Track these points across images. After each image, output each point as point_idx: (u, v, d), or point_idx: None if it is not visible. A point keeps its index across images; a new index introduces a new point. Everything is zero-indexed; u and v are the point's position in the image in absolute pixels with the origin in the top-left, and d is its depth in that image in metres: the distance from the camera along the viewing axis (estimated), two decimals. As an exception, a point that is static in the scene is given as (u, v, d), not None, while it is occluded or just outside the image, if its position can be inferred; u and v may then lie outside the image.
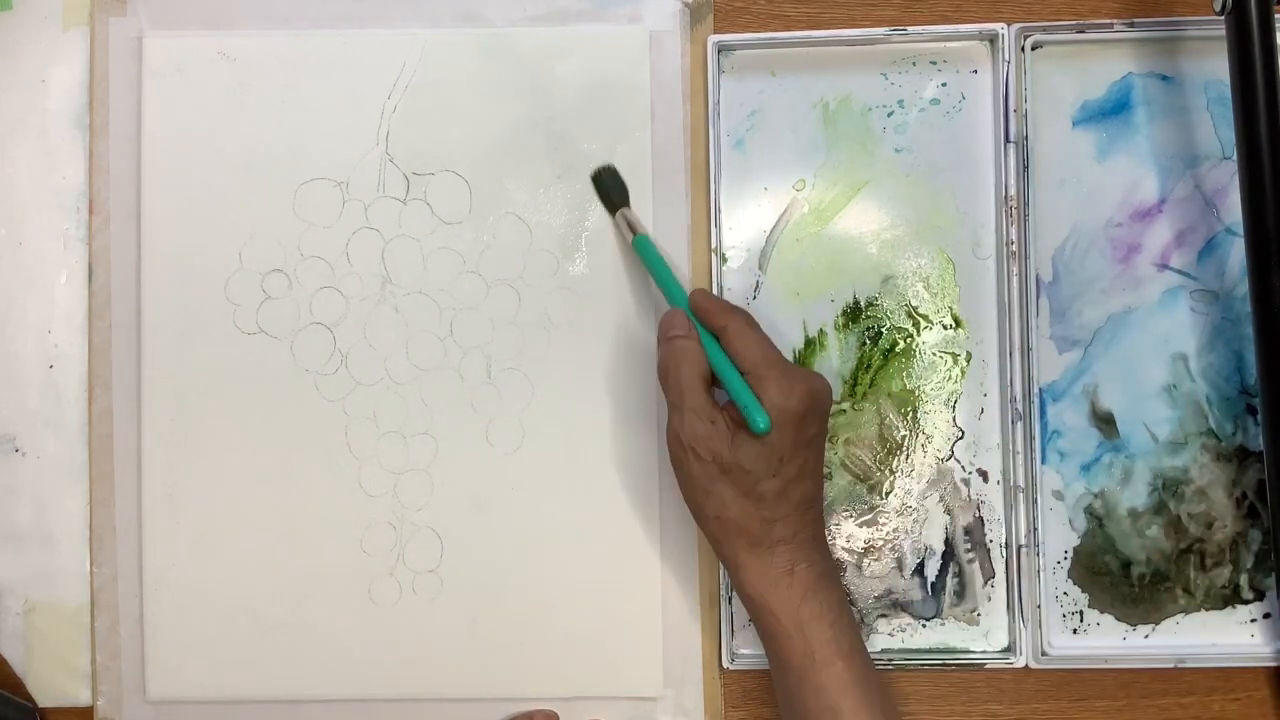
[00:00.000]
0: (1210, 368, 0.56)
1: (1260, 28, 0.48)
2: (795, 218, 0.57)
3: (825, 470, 0.56)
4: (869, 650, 0.56)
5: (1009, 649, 0.56)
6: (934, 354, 0.57)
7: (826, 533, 0.56)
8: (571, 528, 0.56)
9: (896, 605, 0.56)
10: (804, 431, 0.48)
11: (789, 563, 0.49)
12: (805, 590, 0.48)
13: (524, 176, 0.57)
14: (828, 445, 0.56)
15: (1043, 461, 0.56)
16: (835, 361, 0.57)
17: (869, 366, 0.57)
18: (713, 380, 0.50)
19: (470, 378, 0.57)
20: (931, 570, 0.56)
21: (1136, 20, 0.56)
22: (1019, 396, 0.55)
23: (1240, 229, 0.52)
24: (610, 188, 0.56)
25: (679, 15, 0.57)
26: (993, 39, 0.56)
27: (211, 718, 0.57)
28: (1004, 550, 0.56)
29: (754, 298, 0.57)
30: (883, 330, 0.57)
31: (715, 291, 0.56)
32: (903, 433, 0.57)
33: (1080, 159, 0.57)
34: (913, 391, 0.57)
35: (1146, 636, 0.56)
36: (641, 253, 0.54)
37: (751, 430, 0.47)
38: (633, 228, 0.55)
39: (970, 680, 0.56)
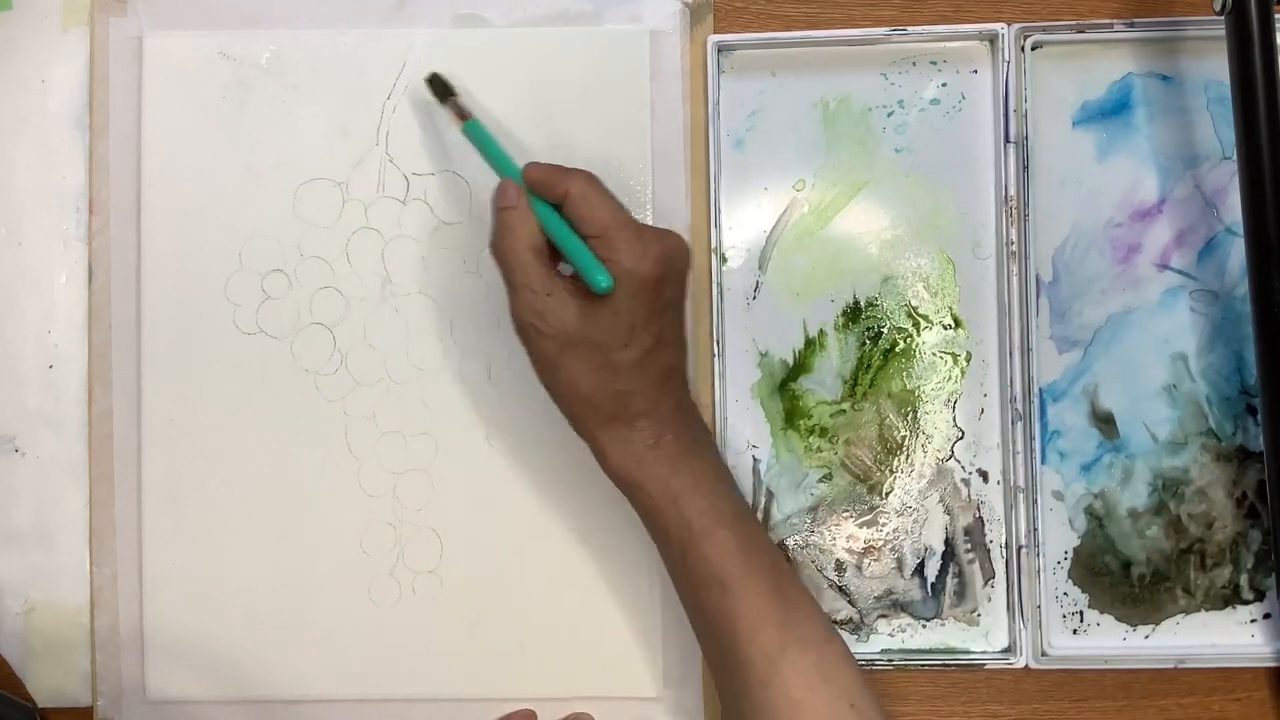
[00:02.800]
0: (1210, 368, 0.56)
1: (1260, 28, 0.48)
2: (795, 218, 0.57)
3: (826, 469, 0.56)
4: (869, 650, 0.56)
5: (1009, 649, 0.56)
6: (934, 354, 0.57)
7: (828, 532, 0.56)
8: (571, 527, 0.56)
9: (896, 605, 0.56)
10: (659, 296, 0.45)
11: (653, 436, 0.46)
12: (674, 462, 0.46)
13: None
14: (829, 445, 0.56)
15: (1043, 461, 0.56)
16: (835, 361, 0.57)
17: (869, 366, 0.57)
18: (551, 252, 0.47)
19: (470, 378, 0.57)
20: (931, 570, 0.56)
21: (1136, 20, 0.56)
22: (1019, 396, 0.55)
23: (1240, 229, 0.52)
24: (441, 86, 0.54)
25: (679, 15, 0.57)
26: (993, 39, 0.56)
27: (211, 718, 0.57)
28: (1004, 550, 0.56)
29: (754, 298, 0.57)
30: (883, 330, 0.57)
31: (714, 292, 0.56)
32: (903, 433, 0.57)
33: (1080, 159, 0.57)
34: (913, 391, 0.57)
35: (1146, 637, 0.56)
36: (473, 137, 0.51)
37: (594, 291, 0.44)
38: (463, 114, 0.52)
39: (970, 680, 0.56)
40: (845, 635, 0.56)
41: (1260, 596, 0.56)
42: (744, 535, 0.46)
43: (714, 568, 0.46)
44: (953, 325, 0.57)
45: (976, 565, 0.56)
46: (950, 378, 0.57)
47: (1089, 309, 0.56)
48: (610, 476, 0.48)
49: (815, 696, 0.45)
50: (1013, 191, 0.55)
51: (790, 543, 0.57)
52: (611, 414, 0.46)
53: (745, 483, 0.57)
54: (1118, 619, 0.56)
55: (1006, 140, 0.56)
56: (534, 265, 0.46)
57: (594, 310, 0.45)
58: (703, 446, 0.48)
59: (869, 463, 0.57)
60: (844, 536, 0.57)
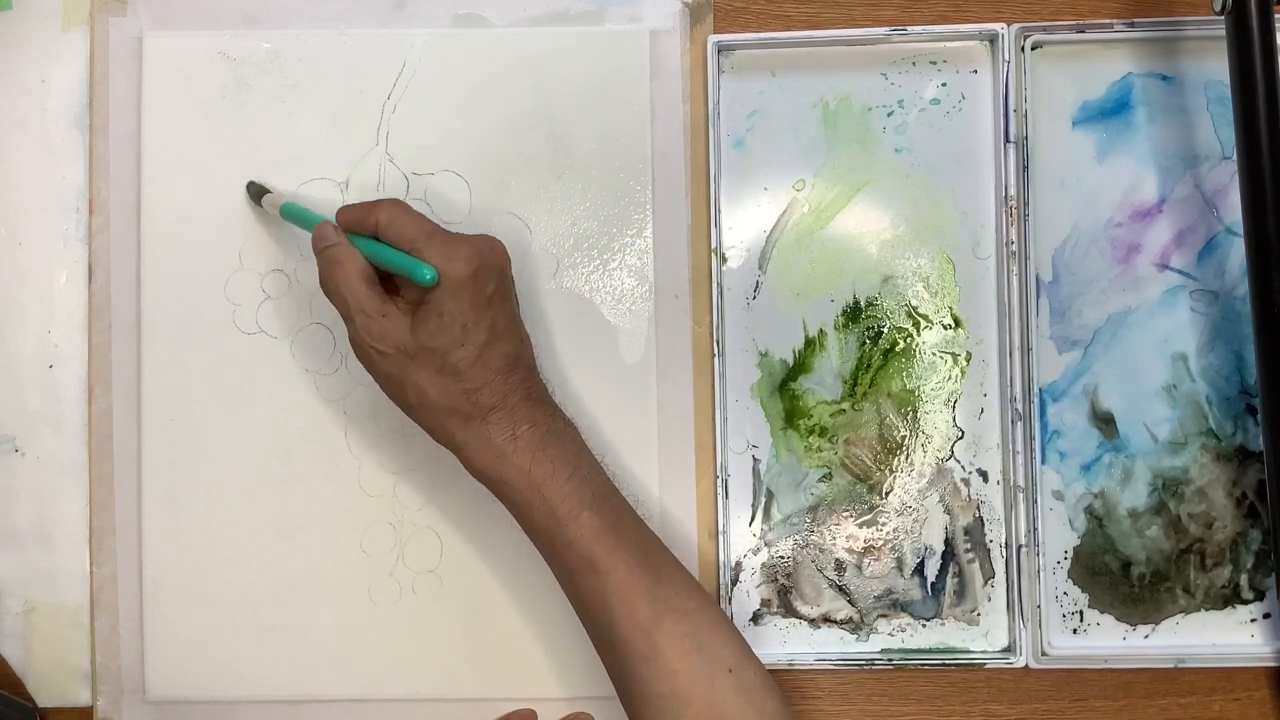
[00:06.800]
0: (1210, 368, 0.56)
1: (1260, 28, 0.48)
2: (795, 218, 0.57)
3: (826, 468, 0.56)
4: (870, 649, 0.56)
5: (1009, 649, 0.56)
6: (934, 354, 0.57)
7: (828, 531, 0.56)
8: (571, 528, 0.56)
9: (896, 605, 0.56)
10: (480, 292, 0.47)
11: (509, 429, 0.48)
12: (534, 451, 0.48)
13: (524, 176, 0.57)
14: (829, 445, 0.56)
15: (1043, 461, 0.56)
16: (835, 361, 0.57)
17: (869, 366, 0.57)
18: (379, 277, 0.49)
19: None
20: (931, 570, 0.56)
21: (1136, 20, 0.56)
22: (1019, 396, 0.55)
23: (1240, 229, 0.52)
24: (256, 191, 0.56)
25: (679, 15, 0.57)
26: (993, 39, 0.56)
27: (211, 718, 0.57)
28: (1004, 550, 0.56)
29: (754, 298, 0.57)
30: (883, 330, 0.57)
31: (715, 291, 0.56)
32: (903, 433, 0.57)
33: (1080, 159, 0.57)
34: (913, 391, 0.57)
35: (1146, 636, 0.56)
36: (291, 213, 0.53)
37: (420, 285, 0.46)
38: (275, 201, 0.55)
39: (970, 680, 0.56)
40: (845, 634, 0.56)
41: (1260, 596, 0.56)
42: (608, 515, 0.48)
43: (582, 550, 0.47)
44: (953, 325, 0.57)
45: (976, 565, 0.56)
46: (950, 378, 0.57)
47: (1089, 309, 0.56)
48: (475, 475, 0.49)
49: (691, 664, 0.46)
50: (1013, 191, 0.55)
51: (790, 543, 0.57)
52: (465, 415, 0.48)
53: (745, 483, 0.57)
54: (1117, 619, 0.56)
55: (1006, 140, 0.56)
56: (365, 291, 0.48)
57: (424, 318, 0.47)
58: (561, 434, 0.49)
59: (869, 462, 0.57)
60: (844, 536, 0.57)
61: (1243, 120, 0.49)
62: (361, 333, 0.48)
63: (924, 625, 0.56)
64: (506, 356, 0.48)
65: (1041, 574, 0.55)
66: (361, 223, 0.49)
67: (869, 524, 0.57)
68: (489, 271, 0.48)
